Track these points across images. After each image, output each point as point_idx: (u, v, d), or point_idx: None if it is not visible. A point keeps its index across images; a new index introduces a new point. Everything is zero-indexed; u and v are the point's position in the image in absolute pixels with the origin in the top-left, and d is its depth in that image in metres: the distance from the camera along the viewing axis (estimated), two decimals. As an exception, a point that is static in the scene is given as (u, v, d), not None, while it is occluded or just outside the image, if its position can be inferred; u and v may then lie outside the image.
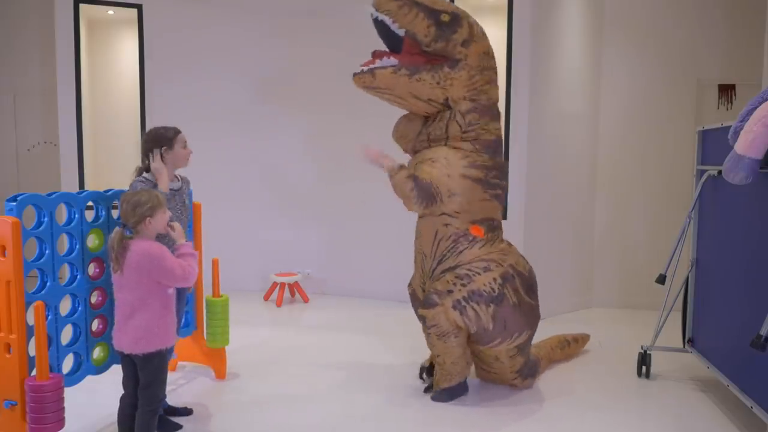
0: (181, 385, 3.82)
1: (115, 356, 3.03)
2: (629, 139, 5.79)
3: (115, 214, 3.00)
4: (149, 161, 3.18)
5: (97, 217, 3.06)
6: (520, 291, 3.51)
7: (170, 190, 3.20)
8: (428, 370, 3.81)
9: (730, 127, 3.15)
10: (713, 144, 3.79)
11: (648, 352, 4.04)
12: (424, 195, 3.41)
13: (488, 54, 3.60)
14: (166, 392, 3.10)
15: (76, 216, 2.92)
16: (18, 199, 2.65)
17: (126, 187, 3.16)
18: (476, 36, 3.53)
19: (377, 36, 3.57)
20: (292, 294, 6.09)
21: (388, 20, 3.39)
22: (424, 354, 4.08)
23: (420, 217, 3.64)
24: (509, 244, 3.72)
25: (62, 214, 2.90)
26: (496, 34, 5.57)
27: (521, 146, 5.24)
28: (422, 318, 3.52)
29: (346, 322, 5.33)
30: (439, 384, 3.62)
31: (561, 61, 5.46)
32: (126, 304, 2.72)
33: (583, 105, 5.69)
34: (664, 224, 5.62)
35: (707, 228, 3.91)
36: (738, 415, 3.45)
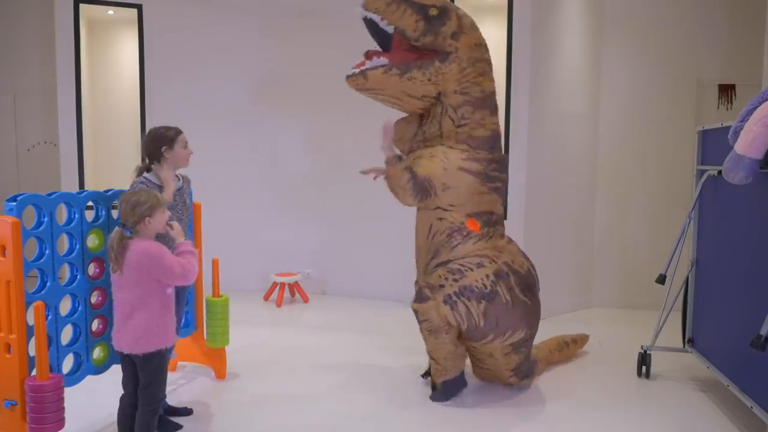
0: (181, 385, 3.82)
1: (115, 356, 3.03)
2: (629, 139, 5.79)
3: (115, 214, 3.00)
4: (150, 161, 3.19)
5: (97, 217, 3.06)
6: (515, 289, 3.46)
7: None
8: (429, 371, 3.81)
9: (730, 127, 3.15)
10: (713, 144, 3.79)
11: (648, 352, 4.04)
12: (419, 189, 3.42)
13: (480, 45, 3.57)
14: (166, 392, 3.11)
15: (76, 216, 2.92)
16: (18, 199, 2.65)
17: (126, 187, 3.16)
18: (465, 28, 3.50)
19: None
20: (292, 294, 6.09)
21: (376, 18, 3.39)
22: (424, 354, 4.07)
23: (418, 210, 3.63)
24: (510, 241, 3.68)
25: (62, 214, 2.90)
26: (496, 34, 5.58)
27: (521, 146, 5.24)
28: (415, 312, 3.51)
29: (346, 322, 5.33)
30: (434, 379, 3.62)
31: (561, 61, 5.46)
32: (125, 304, 2.72)
33: (583, 105, 5.69)
34: (664, 224, 5.62)
35: (707, 228, 3.91)
36: (738, 415, 3.45)
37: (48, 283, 2.79)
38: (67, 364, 2.95)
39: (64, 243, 2.93)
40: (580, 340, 4.44)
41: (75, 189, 5.70)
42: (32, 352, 2.64)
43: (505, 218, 5.22)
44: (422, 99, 3.54)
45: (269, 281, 6.07)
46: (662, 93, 5.70)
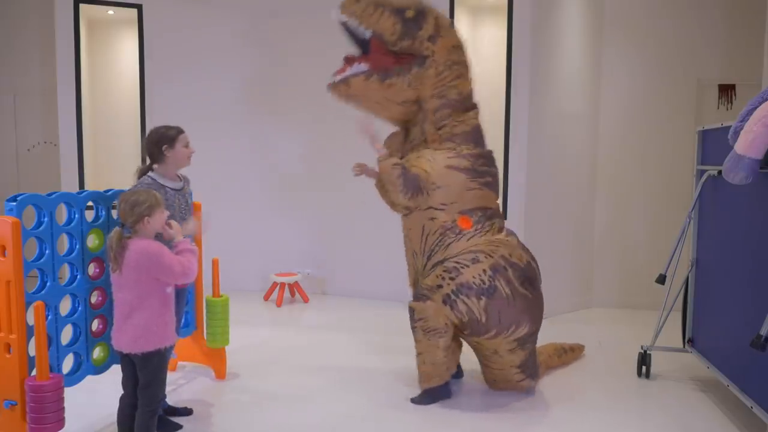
0: (181, 385, 3.82)
1: (115, 356, 3.03)
2: (629, 139, 5.79)
3: (115, 214, 2.99)
4: (151, 161, 3.20)
5: (97, 217, 3.06)
6: (514, 282, 3.41)
7: (173, 189, 3.21)
8: None
9: (730, 127, 3.15)
10: (713, 144, 3.79)
11: (648, 352, 4.04)
12: (411, 185, 3.40)
13: (457, 47, 3.56)
14: (166, 392, 3.11)
15: (76, 216, 2.92)
16: (18, 199, 2.65)
17: (126, 187, 3.16)
18: (443, 30, 3.50)
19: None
20: (292, 294, 6.09)
21: (353, 22, 3.40)
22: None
23: (404, 215, 3.60)
24: (509, 234, 3.61)
25: (62, 214, 2.90)
26: (496, 34, 5.60)
27: (521, 146, 5.24)
28: (411, 310, 3.49)
29: (346, 322, 5.33)
30: (422, 385, 3.60)
31: (561, 61, 5.46)
32: (125, 304, 2.72)
33: (583, 105, 5.69)
34: (664, 224, 5.62)
35: (707, 228, 3.91)
36: (738, 415, 3.45)
37: (48, 283, 2.79)
38: (67, 364, 2.95)
39: (64, 243, 2.93)
40: (577, 349, 4.39)
41: (75, 189, 5.70)
42: (32, 352, 2.63)
43: (505, 218, 5.27)
44: (403, 104, 3.56)
45: (269, 281, 6.07)
46: (662, 93, 5.70)
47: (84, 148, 5.89)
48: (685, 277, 4.08)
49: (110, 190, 3.18)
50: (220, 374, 3.93)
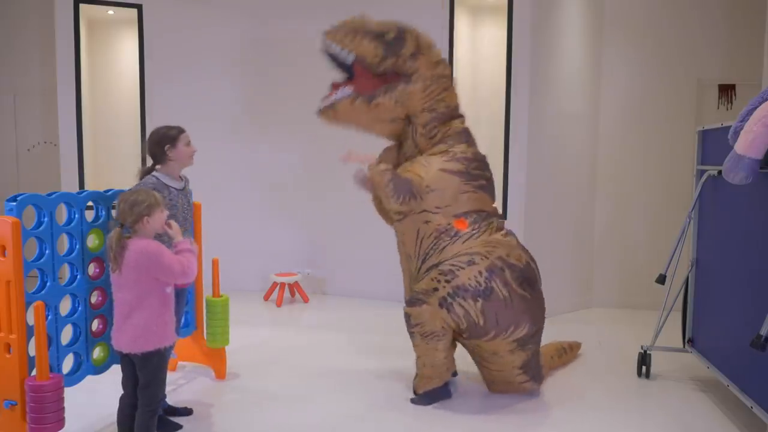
0: (181, 385, 3.82)
1: (115, 356, 3.03)
2: (629, 139, 5.79)
3: (114, 214, 2.99)
4: (154, 162, 3.21)
5: (97, 217, 3.06)
6: (512, 284, 3.37)
7: (176, 189, 3.21)
8: None
9: (730, 127, 3.15)
10: (713, 144, 3.79)
11: (648, 352, 4.04)
12: (401, 189, 3.39)
13: (440, 62, 3.61)
14: (166, 392, 3.11)
15: (76, 216, 2.92)
16: (18, 199, 2.65)
17: (126, 187, 3.16)
18: (423, 48, 3.56)
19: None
20: (292, 294, 6.09)
21: (336, 49, 3.47)
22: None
23: (398, 220, 3.59)
24: (506, 235, 3.57)
25: (62, 214, 2.90)
26: (496, 34, 5.60)
27: (521, 146, 5.24)
28: (407, 316, 3.48)
29: (346, 322, 5.33)
30: (417, 388, 3.60)
31: (561, 61, 5.46)
32: (124, 304, 2.72)
33: (583, 105, 5.69)
34: (664, 224, 5.62)
35: (707, 228, 3.91)
36: (738, 415, 3.45)
37: (48, 283, 2.79)
38: (67, 364, 2.95)
39: (64, 243, 2.93)
40: (575, 347, 4.40)
41: (75, 189, 5.70)
42: (32, 352, 2.63)
43: (505, 218, 5.28)
44: (393, 122, 3.60)
45: (269, 281, 6.07)
46: (662, 93, 5.70)
47: (84, 148, 5.89)
48: (685, 277, 4.08)
49: (110, 190, 3.19)
50: (220, 374, 3.93)
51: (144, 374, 2.75)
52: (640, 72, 5.73)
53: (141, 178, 3.16)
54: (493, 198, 3.68)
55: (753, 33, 5.39)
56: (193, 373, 4.02)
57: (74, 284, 2.93)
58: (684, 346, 4.10)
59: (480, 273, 3.35)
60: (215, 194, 5.89)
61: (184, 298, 3.49)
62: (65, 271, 2.95)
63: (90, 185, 5.88)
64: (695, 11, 5.61)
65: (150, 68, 5.97)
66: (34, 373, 2.64)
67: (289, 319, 5.46)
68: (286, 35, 6.12)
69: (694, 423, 3.39)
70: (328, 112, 3.57)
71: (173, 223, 2.90)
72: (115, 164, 6.21)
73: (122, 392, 2.84)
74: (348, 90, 3.51)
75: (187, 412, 3.38)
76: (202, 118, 5.96)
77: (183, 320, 3.64)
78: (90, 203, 3.02)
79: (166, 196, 3.12)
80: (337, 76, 3.65)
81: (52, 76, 6.05)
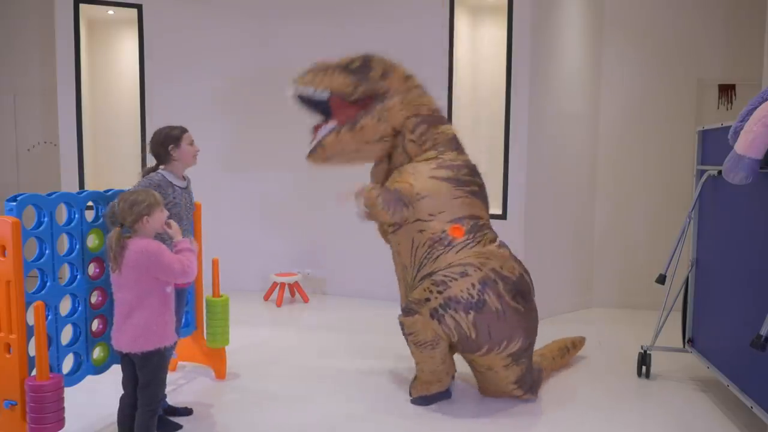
0: (181, 385, 3.82)
1: (115, 356, 3.03)
2: (629, 139, 5.79)
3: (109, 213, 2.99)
4: (158, 163, 3.23)
5: (97, 217, 3.06)
6: (505, 296, 3.32)
7: (179, 187, 3.22)
8: None
9: (730, 127, 3.15)
10: (713, 144, 3.79)
11: (648, 352, 4.04)
12: (390, 200, 3.38)
13: (410, 77, 3.70)
14: (166, 392, 3.11)
15: (76, 216, 2.92)
16: (18, 199, 2.65)
17: (126, 187, 3.17)
18: (389, 67, 3.64)
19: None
20: (292, 294, 6.09)
21: (309, 90, 3.56)
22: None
23: (392, 232, 3.58)
24: (500, 246, 3.54)
25: (62, 214, 2.90)
26: (496, 34, 5.60)
27: (521, 146, 5.24)
28: (401, 324, 3.47)
29: (346, 322, 5.33)
30: (416, 392, 3.60)
31: (561, 61, 5.46)
32: (124, 304, 2.72)
33: (583, 105, 5.69)
34: (664, 224, 5.62)
35: (707, 228, 3.91)
36: (738, 415, 3.45)
37: (48, 283, 2.79)
38: (67, 364, 2.95)
39: (64, 243, 2.93)
40: (578, 343, 4.36)
41: (75, 189, 5.70)
42: (32, 352, 2.64)
43: (505, 218, 5.29)
44: (381, 140, 3.63)
45: (269, 281, 6.07)
46: (662, 93, 5.70)
47: (84, 148, 5.89)
48: (685, 277, 4.08)
49: (110, 190, 3.19)
50: (220, 374, 3.93)
51: (144, 374, 2.75)
52: (640, 72, 5.73)
53: (144, 177, 3.17)
54: (486, 206, 3.66)
55: (753, 33, 5.39)
56: (193, 373, 4.02)
57: (74, 284, 2.93)
58: (684, 346, 4.10)
59: (473, 285, 3.30)
60: (215, 194, 5.89)
61: (185, 298, 3.49)
62: (65, 271, 2.95)
63: (90, 185, 5.88)
64: (695, 11, 5.61)
65: (150, 68, 5.97)
66: (34, 373, 2.64)
67: (289, 319, 5.46)
68: (287, 35, 6.12)
69: (694, 423, 3.39)
70: (317, 151, 3.65)
71: (173, 222, 2.90)
72: (115, 164, 6.21)
73: (122, 392, 2.85)
74: (330, 125, 3.62)
75: (187, 412, 3.38)
76: (202, 118, 5.95)
77: (183, 320, 3.64)
78: (90, 203, 3.02)
79: (170, 194, 3.13)
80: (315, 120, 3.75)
81: (52, 76, 6.05)
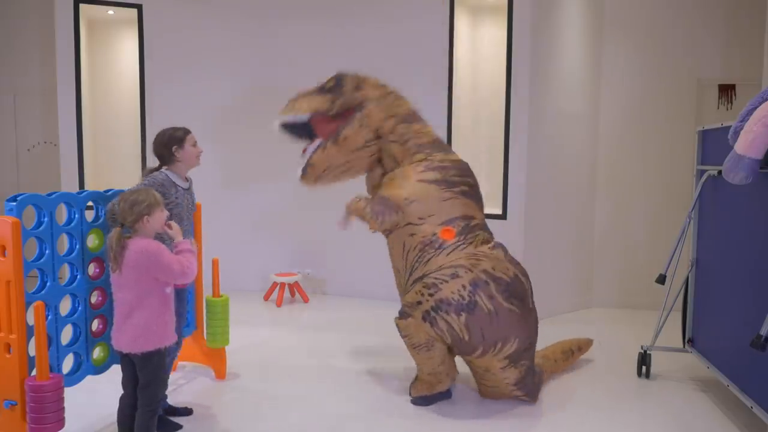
0: (181, 385, 3.82)
1: (115, 356, 3.02)
2: (629, 138, 5.79)
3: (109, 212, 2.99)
4: (161, 164, 3.23)
5: (97, 217, 3.06)
6: (497, 297, 3.29)
7: (182, 189, 3.23)
8: None
9: (730, 127, 3.16)
10: (713, 144, 3.79)
11: (648, 352, 4.04)
12: (379, 209, 3.45)
13: (384, 85, 3.80)
14: (167, 392, 3.11)
15: (76, 216, 2.92)
16: (18, 199, 2.65)
17: (126, 187, 3.16)
18: (362, 79, 3.76)
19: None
20: (292, 294, 6.09)
21: (290, 117, 3.73)
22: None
23: (387, 235, 3.62)
24: (494, 247, 3.51)
25: (62, 214, 2.90)
26: (496, 34, 5.60)
27: (521, 146, 5.24)
28: (397, 327, 3.48)
29: (345, 322, 5.34)
30: (416, 391, 3.61)
31: (561, 61, 5.46)
32: (125, 304, 2.72)
33: (583, 105, 5.69)
34: (664, 224, 5.62)
35: (707, 228, 3.91)
36: (738, 415, 3.45)
37: (48, 283, 2.79)
38: (67, 364, 2.94)
39: (64, 243, 2.93)
40: (585, 346, 4.30)
41: (75, 189, 5.70)
42: (32, 352, 2.63)
43: (505, 218, 5.29)
44: (366, 146, 3.72)
45: (269, 281, 6.07)
46: (662, 93, 5.70)
47: (84, 148, 5.89)
48: (685, 277, 4.08)
49: (110, 190, 3.19)
50: (220, 374, 3.93)
51: (144, 374, 2.75)
52: (640, 72, 5.73)
53: (146, 176, 3.17)
54: (479, 205, 3.66)
55: (753, 33, 5.39)
56: (193, 373, 4.02)
57: (74, 284, 2.93)
58: (684, 346, 4.10)
59: (463, 286, 3.29)
60: (216, 194, 5.89)
61: (185, 297, 3.48)
62: (65, 271, 2.95)
63: (90, 185, 5.88)
64: (695, 11, 5.61)
65: (150, 68, 5.97)
66: (34, 373, 2.64)
67: (289, 319, 5.46)
68: (287, 35, 6.12)
69: (694, 423, 3.39)
70: (308, 171, 3.76)
71: (173, 223, 2.90)
72: (115, 164, 6.21)
73: (122, 392, 2.85)
74: (315, 143, 3.74)
75: (187, 412, 3.38)
76: (202, 118, 5.95)
77: (185, 321, 3.63)
78: (90, 203, 3.02)
79: (172, 194, 3.14)
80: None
81: (52, 76, 6.05)
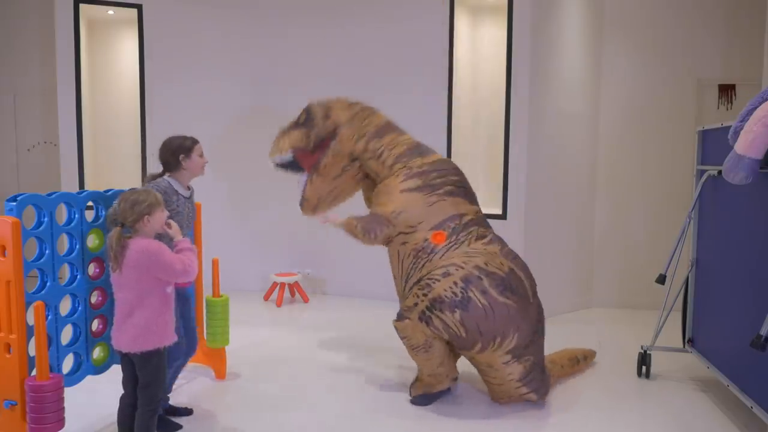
0: (181, 385, 3.82)
1: (115, 356, 3.03)
2: (629, 138, 5.79)
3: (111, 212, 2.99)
4: (165, 170, 3.24)
5: (97, 217, 3.06)
6: (491, 292, 3.27)
7: (183, 197, 3.24)
8: None
9: (730, 127, 3.16)
10: (713, 144, 3.79)
11: (648, 352, 4.04)
12: (370, 227, 3.52)
13: (350, 104, 3.89)
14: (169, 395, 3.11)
15: (76, 216, 2.92)
16: (18, 199, 2.65)
17: (126, 187, 3.17)
18: (328, 106, 3.86)
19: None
20: (292, 294, 6.09)
21: (278, 158, 3.91)
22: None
23: (386, 246, 3.69)
24: (489, 242, 3.49)
25: (62, 214, 2.90)
26: (496, 34, 5.60)
27: (521, 146, 5.24)
28: (395, 329, 3.51)
29: (345, 322, 5.34)
30: (416, 391, 3.62)
31: (561, 61, 5.46)
32: (125, 303, 2.72)
33: (583, 105, 5.69)
34: (664, 224, 5.62)
35: (707, 228, 3.91)
36: (738, 415, 3.45)
37: (48, 283, 2.79)
38: (67, 364, 2.94)
39: (64, 243, 2.93)
40: (590, 356, 4.26)
41: (75, 189, 5.69)
42: (32, 352, 2.63)
43: (505, 218, 5.29)
44: (345, 171, 3.85)
45: (269, 281, 6.07)
46: (662, 93, 5.70)
47: (84, 148, 5.89)
48: (685, 277, 4.08)
49: (110, 190, 3.18)
50: (220, 374, 3.93)
51: (144, 374, 2.75)
52: (640, 72, 5.73)
53: (149, 182, 3.17)
54: (469, 200, 3.65)
55: (753, 33, 5.39)
56: (193, 373, 4.02)
57: (74, 284, 2.93)
58: (684, 346, 4.11)
59: (455, 283, 3.30)
60: (216, 194, 5.90)
61: (188, 300, 3.46)
62: (65, 271, 2.95)
63: (90, 185, 5.88)
64: (695, 11, 5.61)
65: (150, 68, 5.97)
66: (34, 373, 2.64)
67: (289, 319, 5.46)
68: (287, 35, 6.12)
69: (694, 423, 3.39)
70: (304, 205, 3.94)
71: (173, 223, 2.90)
72: (115, 164, 6.21)
73: (122, 392, 2.85)
74: (303, 177, 3.91)
75: (187, 412, 3.38)
76: (202, 118, 5.96)
77: (194, 319, 3.59)
78: (90, 203, 3.02)
79: (174, 202, 3.14)
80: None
81: (52, 76, 6.05)
